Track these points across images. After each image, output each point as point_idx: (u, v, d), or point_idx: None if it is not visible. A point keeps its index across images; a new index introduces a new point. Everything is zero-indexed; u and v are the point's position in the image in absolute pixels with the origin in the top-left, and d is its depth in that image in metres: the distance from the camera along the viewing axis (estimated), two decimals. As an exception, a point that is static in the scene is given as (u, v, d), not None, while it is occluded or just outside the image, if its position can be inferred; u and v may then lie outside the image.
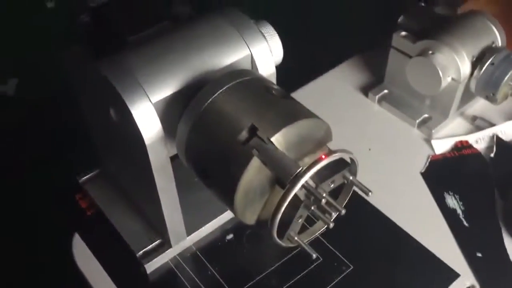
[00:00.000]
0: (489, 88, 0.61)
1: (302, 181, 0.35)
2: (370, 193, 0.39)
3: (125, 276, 0.53)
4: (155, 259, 0.52)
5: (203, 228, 0.55)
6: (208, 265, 0.53)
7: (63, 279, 0.53)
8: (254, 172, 0.37)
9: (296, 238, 0.40)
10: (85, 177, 0.60)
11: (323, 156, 0.36)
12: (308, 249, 0.39)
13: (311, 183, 0.37)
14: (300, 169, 0.36)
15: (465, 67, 0.61)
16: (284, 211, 0.37)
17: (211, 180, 0.41)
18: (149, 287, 0.52)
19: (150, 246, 0.53)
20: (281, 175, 0.36)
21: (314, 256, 0.39)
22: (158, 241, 0.54)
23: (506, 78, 0.60)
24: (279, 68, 0.51)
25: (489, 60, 0.61)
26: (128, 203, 0.57)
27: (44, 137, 0.66)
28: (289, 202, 0.37)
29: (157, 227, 0.54)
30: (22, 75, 0.74)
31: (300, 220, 0.40)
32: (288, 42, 0.58)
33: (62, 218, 0.58)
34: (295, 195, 0.37)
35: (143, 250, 0.53)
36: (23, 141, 0.66)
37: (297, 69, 0.71)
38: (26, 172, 0.63)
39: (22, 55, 0.73)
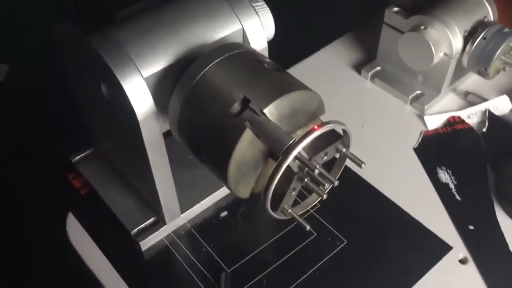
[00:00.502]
0: (481, 63, 0.61)
1: (295, 152, 0.35)
2: (363, 165, 0.39)
3: (120, 255, 0.53)
4: (150, 237, 0.52)
5: (197, 205, 0.55)
6: (203, 242, 0.53)
7: (58, 258, 0.53)
8: (247, 145, 0.37)
9: (290, 210, 0.40)
10: (78, 157, 0.59)
11: (316, 127, 0.36)
12: (302, 221, 0.39)
13: (304, 154, 0.37)
14: (292, 140, 0.36)
15: (457, 42, 0.61)
16: (277, 183, 0.37)
17: (204, 154, 0.41)
18: (144, 265, 0.52)
19: (145, 224, 0.53)
20: (274, 147, 0.36)
21: (308, 228, 0.39)
22: (153, 219, 0.54)
23: (498, 52, 0.60)
24: (272, 45, 0.51)
25: (481, 35, 0.61)
26: (122, 181, 0.56)
27: (37, 118, 0.66)
28: (283, 174, 0.37)
29: (151, 205, 0.54)
30: (14, 61, 0.73)
31: (294, 193, 0.40)
32: (281, 19, 0.58)
33: (55, 198, 0.58)
34: (288, 166, 0.37)
35: (137, 228, 0.53)
36: (16, 123, 0.66)
37: (290, 46, 0.71)
38: (19, 152, 0.63)
39: (12, 40, 0.72)
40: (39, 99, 0.70)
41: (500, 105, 0.65)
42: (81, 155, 0.60)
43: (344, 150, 0.40)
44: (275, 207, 0.40)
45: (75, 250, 0.53)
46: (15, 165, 0.61)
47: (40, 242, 0.55)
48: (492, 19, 0.64)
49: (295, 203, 0.42)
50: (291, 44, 0.70)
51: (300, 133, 0.39)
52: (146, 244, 0.53)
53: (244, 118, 0.37)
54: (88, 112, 0.54)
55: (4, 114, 0.68)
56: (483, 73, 0.62)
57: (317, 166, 0.37)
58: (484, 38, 0.61)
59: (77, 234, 0.54)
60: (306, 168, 0.37)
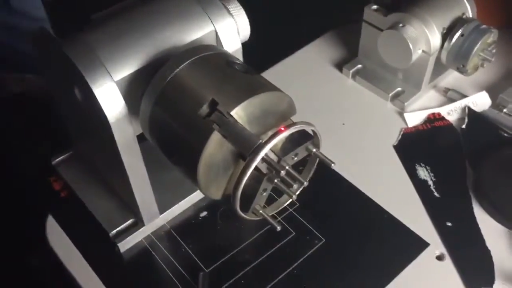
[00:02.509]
0: (459, 60, 0.62)
1: (262, 154, 0.35)
2: (333, 165, 0.40)
3: (100, 256, 0.53)
4: (128, 238, 0.52)
5: (176, 206, 0.55)
6: (182, 242, 0.53)
7: (36, 260, 0.53)
8: (215, 146, 0.37)
9: (261, 211, 0.40)
10: (58, 159, 0.60)
11: (283, 129, 0.36)
12: (273, 222, 0.39)
13: (272, 156, 0.38)
14: (260, 141, 0.36)
15: (435, 39, 0.61)
16: (247, 184, 0.37)
17: (174, 156, 0.41)
18: (123, 266, 0.52)
19: (123, 225, 0.53)
20: (241, 148, 0.36)
21: (278, 228, 0.39)
22: (131, 220, 0.54)
23: (475, 48, 0.60)
24: (250, 45, 0.51)
25: (459, 31, 0.61)
26: (101, 183, 0.57)
27: (17, 119, 0.66)
28: (252, 175, 0.37)
29: (129, 206, 0.54)
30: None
31: (264, 193, 0.40)
32: (260, 18, 0.58)
33: (35, 200, 0.58)
34: (257, 168, 0.37)
35: (116, 230, 0.53)
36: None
37: (270, 46, 0.71)
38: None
39: None
40: (19, 97, 0.69)
41: (479, 101, 0.65)
42: (61, 157, 0.60)
43: (314, 150, 0.40)
44: (246, 207, 0.40)
45: (55, 252, 0.53)
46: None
47: (19, 244, 0.55)
48: (470, 16, 0.64)
49: (270, 202, 0.42)
50: (271, 43, 0.70)
51: (270, 133, 0.39)
52: (125, 245, 0.53)
53: (212, 120, 0.37)
54: (66, 114, 0.54)
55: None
56: (461, 70, 0.63)
57: (286, 167, 0.38)
58: (462, 35, 0.61)
59: (57, 236, 0.54)
60: (274, 170, 0.37)
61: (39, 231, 0.54)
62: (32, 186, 0.59)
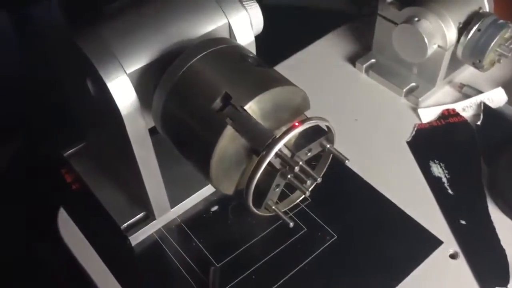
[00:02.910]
0: (475, 55, 0.61)
1: (275, 149, 0.35)
2: (347, 161, 0.39)
3: (111, 249, 0.53)
4: (139, 231, 0.52)
5: (187, 200, 0.55)
6: (193, 236, 0.53)
7: (48, 252, 0.53)
8: (228, 141, 0.37)
9: (273, 207, 0.39)
10: (70, 151, 0.60)
11: (297, 124, 0.36)
12: (285, 218, 0.39)
13: (286, 151, 0.37)
14: (273, 137, 0.35)
15: (451, 34, 0.60)
16: (260, 179, 0.37)
17: (187, 150, 0.41)
18: (134, 260, 0.52)
19: (134, 218, 0.53)
20: (255, 144, 0.36)
21: (291, 225, 0.39)
22: (143, 213, 0.54)
23: (492, 44, 0.59)
24: (263, 39, 0.50)
25: (476, 26, 0.60)
26: (113, 176, 0.57)
27: (30, 110, 0.66)
28: (265, 171, 0.36)
29: (141, 200, 0.54)
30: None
31: (277, 189, 0.39)
32: (273, 11, 0.57)
33: (47, 192, 0.58)
34: (270, 163, 0.37)
35: (127, 223, 0.53)
36: (9, 115, 0.66)
37: (283, 39, 0.70)
38: (12, 145, 0.63)
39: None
40: (32, 88, 0.69)
41: (495, 98, 0.64)
42: (73, 149, 0.60)
43: (328, 146, 0.40)
44: (259, 203, 0.39)
45: (66, 245, 0.53)
46: (8, 158, 0.61)
47: (31, 236, 0.55)
48: (487, 10, 0.63)
49: (282, 198, 0.41)
50: (284, 37, 0.70)
51: (284, 129, 0.39)
52: (136, 239, 0.53)
53: (225, 115, 0.36)
54: (78, 107, 0.54)
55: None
56: (477, 65, 0.61)
57: (300, 163, 0.37)
58: (478, 30, 0.60)
59: (68, 229, 0.54)
60: (288, 165, 0.37)
61: (50, 223, 0.54)
62: (44, 178, 0.59)
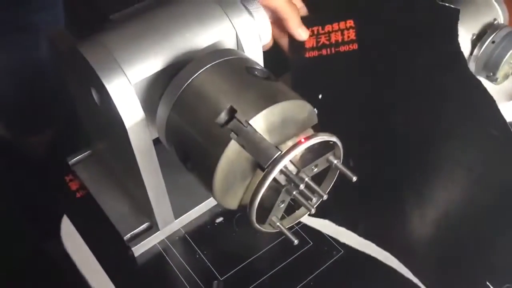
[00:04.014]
0: (489, 67, 0.59)
1: (280, 166, 0.34)
2: (354, 178, 0.38)
3: (113, 260, 0.52)
4: (143, 242, 0.52)
5: (191, 211, 0.54)
6: (197, 248, 0.52)
7: (50, 261, 0.53)
8: (232, 156, 0.36)
9: (278, 223, 0.38)
10: (75, 159, 0.59)
11: (303, 140, 0.35)
12: (290, 235, 0.38)
13: (291, 168, 0.36)
14: (278, 153, 0.34)
15: (465, 46, 0.59)
16: (265, 195, 0.36)
17: (191, 164, 0.40)
18: (137, 271, 0.52)
19: (138, 229, 0.53)
20: (260, 160, 0.35)
21: (296, 242, 0.38)
22: (146, 224, 0.53)
23: (507, 56, 0.58)
24: (272, 48, 0.50)
25: (490, 38, 0.58)
26: (117, 185, 0.56)
27: (36, 117, 0.65)
28: (270, 187, 0.36)
29: (145, 210, 0.53)
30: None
31: (282, 205, 0.38)
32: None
33: (51, 200, 0.57)
34: (275, 179, 0.36)
35: (130, 233, 0.52)
36: (16, 120, 0.65)
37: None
38: (16, 152, 0.63)
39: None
40: (40, 95, 0.69)
41: (509, 111, 0.63)
42: (78, 157, 0.59)
43: (335, 162, 0.39)
44: (263, 219, 0.38)
45: (68, 254, 0.52)
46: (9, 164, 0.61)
47: (33, 244, 0.55)
48: (502, 22, 0.62)
49: (287, 211, 0.40)
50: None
51: (290, 144, 0.38)
52: (139, 249, 0.52)
53: (230, 129, 0.36)
54: (84, 115, 0.53)
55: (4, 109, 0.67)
56: (491, 78, 0.60)
57: (306, 179, 0.36)
58: (493, 42, 0.59)
59: (71, 237, 0.54)
60: (292, 183, 0.35)
61: (53, 231, 0.54)
62: (48, 186, 0.58)
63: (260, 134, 0.35)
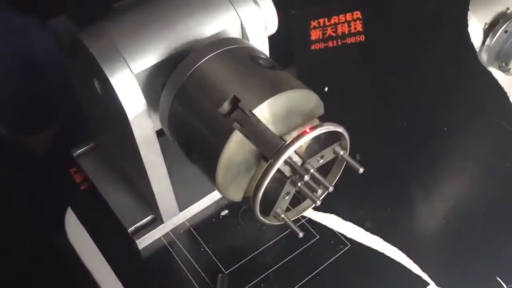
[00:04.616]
0: (501, 58, 0.58)
1: (284, 157, 0.33)
2: (361, 170, 0.37)
3: (117, 252, 0.52)
4: (147, 235, 0.51)
5: (196, 204, 0.53)
6: (201, 241, 0.52)
7: (54, 253, 0.53)
8: (236, 146, 0.35)
9: (282, 215, 0.38)
10: (79, 151, 0.59)
11: (308, 130, 0.34)
12: (295, 227, 0.37)
13: (296, 158, 0.35)
14: (282, 143, 0.33)
15: (477, 35, 0.58)
16: (269, 187, 0.35)
17: (194, 155, 0.39)
18: (141, 264, 0.51)
19: (142, 221, 0.52)
20: (263, 150, 0.34)
21: (301, 235, 0.37)
22: (150, 216, 0.52)
23: (519, 46, 0.56)
24: (279, 39, 0.49)
25: (503, 28, 0.57)
26: (122, 177, 0.55)
27: (41, 108, 0.65)
28: (274, 178, 0.35)
29: (149, 203, 0.52)
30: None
31: (287, 197, 0.38)
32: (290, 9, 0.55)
33: (55, 192, 0.57)
34: (280, 171, 0.35)
35: (134, 226, 0.52)
36: (21, 112, 0.65)
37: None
38: (19, 147, 0.62)
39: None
40: (45, 86, 0.68)
41: (521, 103, 0.61)
42: (83, 149, 0.59)
43: (341, 153, 0.38)
44: (267, 210, 0.38)
45: (72, 246, 0.52)
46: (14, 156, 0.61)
47: (37, 236, 0.55)
48: (515, 11, 0.60)
49: (293, 204, 0.40)
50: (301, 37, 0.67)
51: (295, 134, 0.37)
52: (143, 242, 0.51)
53: (233, 119, 0.35)
54: (87, 106, 0.53)
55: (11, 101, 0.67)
56: (503, 68, 0.59)
57: (311, 170, 0.35)
58: (505, 31, 0.57)
59: (75, 230, 0.53)
60: (297, 175, 0.35)
61: (58, 223, 0.54)
62: (52, 177, 0.58)
63: (264, 124, 0.34)
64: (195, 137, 0.38)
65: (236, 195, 0.39)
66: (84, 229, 0.53)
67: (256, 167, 0.37)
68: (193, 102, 0.38)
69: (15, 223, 0.55)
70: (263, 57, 0.39)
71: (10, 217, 0.55)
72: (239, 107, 0.35)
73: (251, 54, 0.39)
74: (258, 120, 0.34)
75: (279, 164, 0.33)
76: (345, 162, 0.39)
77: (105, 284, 0.49)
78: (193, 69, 0.38)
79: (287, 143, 0.33)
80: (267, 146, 0.34)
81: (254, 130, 0.34)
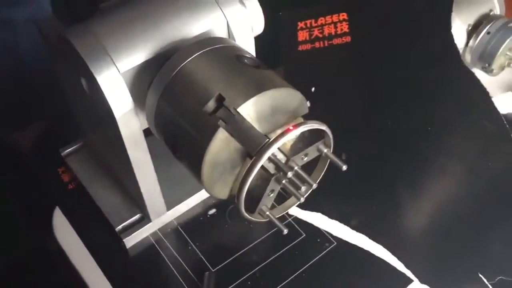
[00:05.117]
0: (484, 59, 0.59)
1: (268, 154, 0.34)
2: (344, 167, 0.37)
3: (105, 252, 0.52)
4: (134, 234, 0.51)
5: (184, 202, 0.54)
6: (189, 240, 0.52)
7: (42, 253, 0.53)
8: (221, 144, 0.36)
9: (267, 212, 0.38)
10: (67, 150, 0.59)
11: (291, 128, 0.34)
12: (279, 224, 0.38)
13: (280, 156, 0.36)
14: (266, 140, 0.34)
15: (460, 36, 0.59)
16: (254, 184, 0.36)
17: (179, 153, 0.39)
18: (129, 263, 0.51)
19: (129, 220, 0.52)
20: (248, 147, 0.35)
21: (285, 231, 0.37)
22: (138, 215, 0.53)
23: (502, 47, 0.57)
24: (265, 40, 0.49)
25: (486, 29, 0.58)
26: (110, 176, 0.56)
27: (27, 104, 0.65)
28: (259, 175, 0.35)
29: (137, 202, 0.53)
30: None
31: (272, 194, 0.38)
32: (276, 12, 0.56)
33: (43, 191, 0.57)
34: (264, 168, 0.35)
35: (122, 225, 0.52)
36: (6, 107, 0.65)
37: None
38: (6, 145, 0.62)
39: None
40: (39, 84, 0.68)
41: (504, 103, 0.62)
42: (70, 148, 0.59)
43: (325, 151, 0.38)
44: (252, 208, 0.38)
45: (60, 245, 0.52)
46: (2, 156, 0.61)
47: (25, 235, 0.55)
48: (498, 12, 0.61)
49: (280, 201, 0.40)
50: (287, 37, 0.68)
51: (279, 132, 0.38)
52: (130, 241, 0.52)
53: (218, 117, 0.35)
54: (74, 105, 0.53)
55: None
56: (486, 69, 0.60)
57: (295, 168, 0.36)
58: (488, 33, 0.58)
59: (63, 229, 0.53)
60: (281, 172, 0.35)
61: (46, 223, 0.54)
62: (40, 177, 0.58)
63: (248, 122, 0.35)
64: (181, 136, 0.38)
65: (222, 193, 0.39)
66: (72, 228, 0.53)
67: (241, 165, 0.38)
68: (178, 101, 0.38)
69: (2, 223, 0.55)
70: (249, 56, 0.40)
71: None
72: (224, 105, 0.35)
73: (237, 54, 0.40)
74: (243, 118, 0.35)
75: (263, 161, 0.34)
76: (328, 160, 0.39)
77: (93, 282, 0.50)
78: (178, 68, 0.39)
79: (271, 140, 0.34)
80: (251, 144, 0.34)
81: (238, 128, 0.35)
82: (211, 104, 0.36)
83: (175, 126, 0.39)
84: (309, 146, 0.38)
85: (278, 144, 0.34)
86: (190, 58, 0.39)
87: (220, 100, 0.36)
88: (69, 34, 0.40)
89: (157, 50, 0.41)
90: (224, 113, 0.35)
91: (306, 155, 0.38)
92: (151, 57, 0.41)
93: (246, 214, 0.37)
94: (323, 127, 0.36)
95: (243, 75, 0.38)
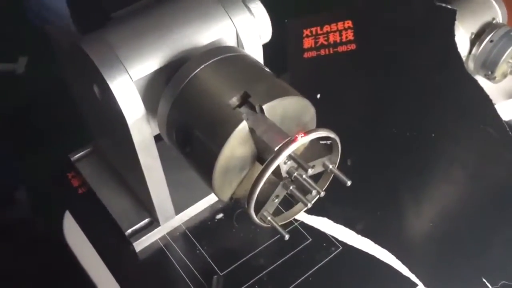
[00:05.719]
0: (487, 66, 0.60)
1: (290, 150, 0.34)
2: (348, 183, 0.38)
3: (115, 255, 0.53)
4: (143, 238, 0.52)
5: (192, 207, 0.55)
6: (197, 244, 0.53)
7: (53, 256, 0.54)
8: (239, 139, 0.36)
9: (269, 218, 0.39)
10: (77, 155, 0.60)
11: (311, 131, 0.35)
12: (281, 230, 0.38)
13: (289, 163, 0.37)
14: (289, 138, 0.35)
15: (463, 44, 0.60)
16: (261, 189, 0.36)
17: (191, 146, 0.40)
18: (138, 266, 0.52)
19: (139, 224, 0.53)
20: (270, 142, 0.36)
21: (287, 237, 0.38)
22: (147, 219, 0.54)
23: (505, 55, 0.58)
24: (272, 48, 0.50)
25: (488, 37, 0.59)
26: (119, 181, 0.57)
27: (45, 114, 0.66)
28: (267, 180, 0.36)
29: (146, 206, 0.54)
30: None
31: (276, 200, 0.39)
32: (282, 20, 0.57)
33: (54, 196, 0.58)
34: (278, 168, 0.36)
35: (131, 229, 0.53)
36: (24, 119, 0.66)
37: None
38: (21, 148, 0.64)
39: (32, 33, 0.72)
40: (53, 92, 0.69)
41: (507, 110, 0.63)
42: (80, 153, 0.60)
43: (331, 166, 0.39)
44: (255, 212, 0.39)
45: (71, 249, 0.53)
46: (16, 161, 0.62)
47: (36, 240, 0.56)
48: (501, 21, 0.62)
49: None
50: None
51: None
52: (140, 245, 0.53)
53: (242, 112, 0.36)
54: (85, 110, 0.54)
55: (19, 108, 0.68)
56: (489, 77, 0.61)
57: (309, 170, 0.37)
58: (491, 41, 0.59)
59: (73, 233, 0.54)
60: (296, 172, 0.36)
61: (56, 227, 0.55)
62: (50, 182, 0.59)
63: (271, 120, 0.36)
64: (197, 128, 0.39)
65: (225, 194, 0.40)
66: (82, 232, 0.54)
67: (249, 168, 0.39)
68: (198, 98, 0.39)
69: (13, 227, 0.56)
70: (259, 65, 0.41)
71: (9, 220, 0.56)
72: (249, 102, 0.37)
73: (253, 60, 0.41)
74: (266, 116, 0.36)
75: (288, 153, 0.34)
76: (333, 174, 0.40)
77: (103, 286, 0.51)
78: (191, 76, 0.40)
79: (293, 137, 0.35)
80: (274, 139, 0.35)
81: (261, 124, 0.36)
82: (235, 100, 0.37)
83: (192, 120, 0.39)
84: (316, 159, 0.39)
85: (303, 141, 0.34)
86: (204, 65, 0.40)
87: (246, 97, 0.37)
88: (83, 43, 0.42)
89: (168, 59, 0.43)
90: (248, 109, 0.36)
91: (313, 166, 0.39)
92: (163, 65, 0.42)
93: (255, 217, 0.38)
94: (337, 140, 0.37)
95: (268, 79, 0.40)
